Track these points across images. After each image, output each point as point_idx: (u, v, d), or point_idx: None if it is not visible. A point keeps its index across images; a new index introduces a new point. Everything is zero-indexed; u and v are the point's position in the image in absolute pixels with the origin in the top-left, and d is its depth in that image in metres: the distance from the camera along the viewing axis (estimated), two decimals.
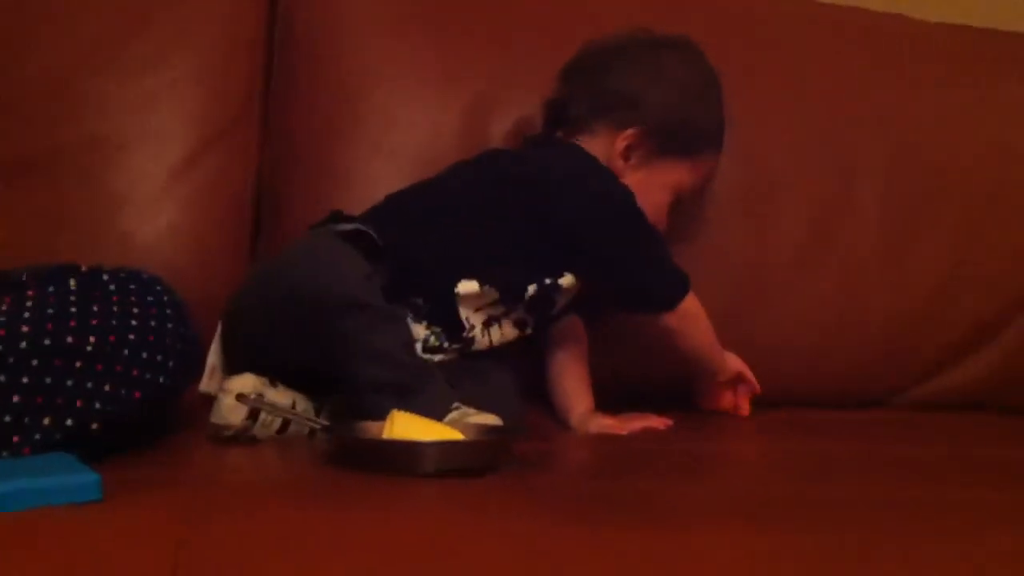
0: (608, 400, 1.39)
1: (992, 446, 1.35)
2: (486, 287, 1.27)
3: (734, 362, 1.44)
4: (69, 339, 0.97)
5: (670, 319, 1.33)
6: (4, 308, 0.97)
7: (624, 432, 1.31)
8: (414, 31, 1.54)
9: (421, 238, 1.26)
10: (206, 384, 1.20)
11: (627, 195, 1.33)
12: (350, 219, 1.28)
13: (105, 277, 1.05)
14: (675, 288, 1.33)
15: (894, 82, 1.68)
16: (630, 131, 1.36)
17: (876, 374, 1.62)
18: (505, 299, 1.29)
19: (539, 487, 0.97)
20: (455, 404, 1.11)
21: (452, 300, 1.26)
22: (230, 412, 1.09)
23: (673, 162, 1.39)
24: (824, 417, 1.50)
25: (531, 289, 1.29)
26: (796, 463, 1.17)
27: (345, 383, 1.11)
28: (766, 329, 1.57)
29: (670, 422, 1.36)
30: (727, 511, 0.91)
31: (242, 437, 1.10)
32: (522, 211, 1.29)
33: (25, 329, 0.96)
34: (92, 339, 0.98)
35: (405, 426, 0.99)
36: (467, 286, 1.26)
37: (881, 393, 1.62)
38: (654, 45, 1.41)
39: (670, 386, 1.47)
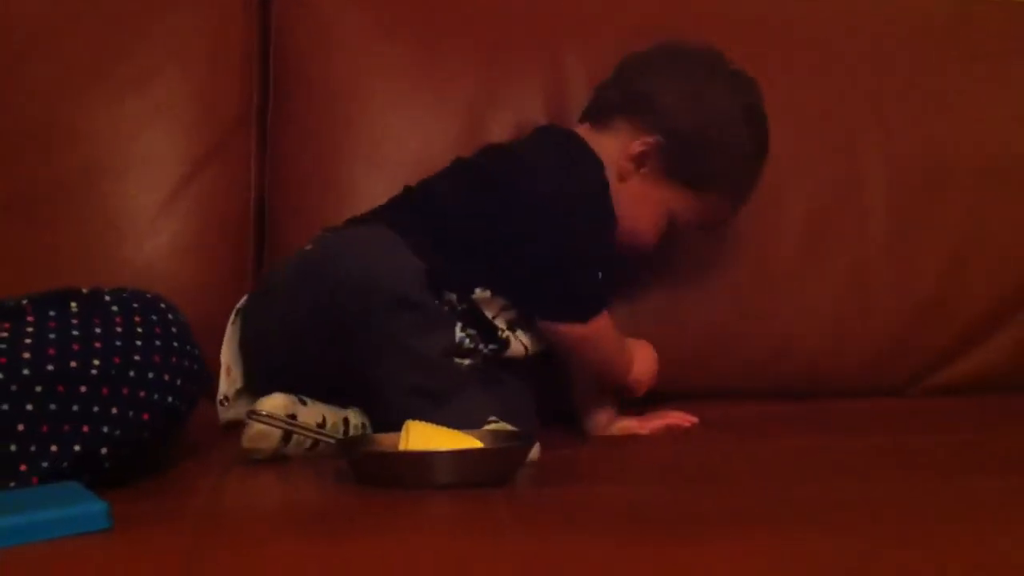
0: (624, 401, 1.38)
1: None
2: (498, 297, 1.25)
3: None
4: (72, 363, 0.95)
5: (581, 331, 1.26)
6: (4, 335, 0.94)
7: (645, 432, 1.29)
8: (404, 42, 1.53)
9: (434, 246, 1.21)
10: (225, 387, 1.19)
11: (592, 198, 1.28)
12: (367, 221, 1.26)
13: (107, 298, 1.02)
14: (594, 302, 1.27)
15: (894, 64, 1.66)
16: (647, 139, 1.32)
17: (891, 363, 1.59)
18: (517, 304, 1.26)
19: (560, 498, 0.93)
20: (491, 418, 1.08)
21: (475, 304, 1.24)
22: (262, 438, 1.06)
23: (676, 187, 1.34)
24: (844, 408, 1.47)
25: None
26: (821, 460, 1.14)
27: (375, 385, 1.08)
28: (777, 321, 1.55)
29: (694, 419, 1.34)
30: (754, 518, 0.85)
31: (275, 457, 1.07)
32: (509, 221, 1.25)
33: (27, 356, 0.93)
34: (96, 362, 0.96)
35: (421, 437, 0.96)
36: (482, 293, 1.24)
37: (897, 382, 1.59)
38: (712, 67, 1.35)
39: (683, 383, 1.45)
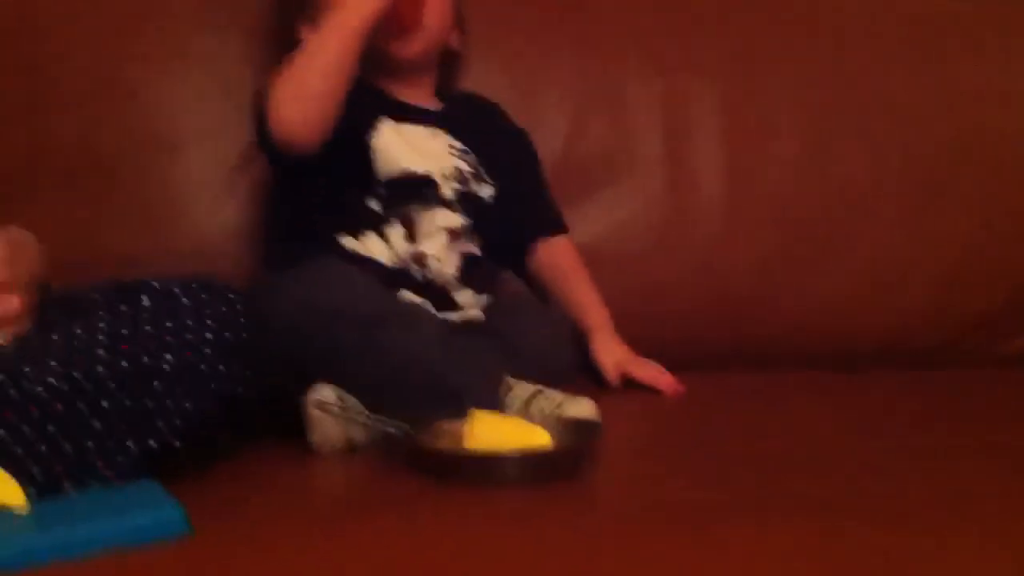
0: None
1: None
2: None
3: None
4: (145, 359, 0.96)
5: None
6: (78, 332, 0.96)
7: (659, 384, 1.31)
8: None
9: None
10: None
11: None
12: None
13: (177, 290, 1.03)
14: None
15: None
16: None
17: (929, 326, 1.59)
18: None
19: (596, 495, 0.92)
20: (513, 380, 1.10)
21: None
22: (325, 425, 1.05)
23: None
24: (880, 378, 1.45)
25: None
26: (860, 443, 1.08)
27: (386, 401, 1.06)
28: (823, 279, 1.56)
29: (681, 388, 1.33)
30: (792, 510, 0.83)
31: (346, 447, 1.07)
32: None
33: (101, 353, 0.94)
34: (168, 356, 0.97)
35: (486, 430, 0.96)
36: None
37: (936, 346, 1.60)
38: None
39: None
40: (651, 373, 1.34)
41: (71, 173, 1.42)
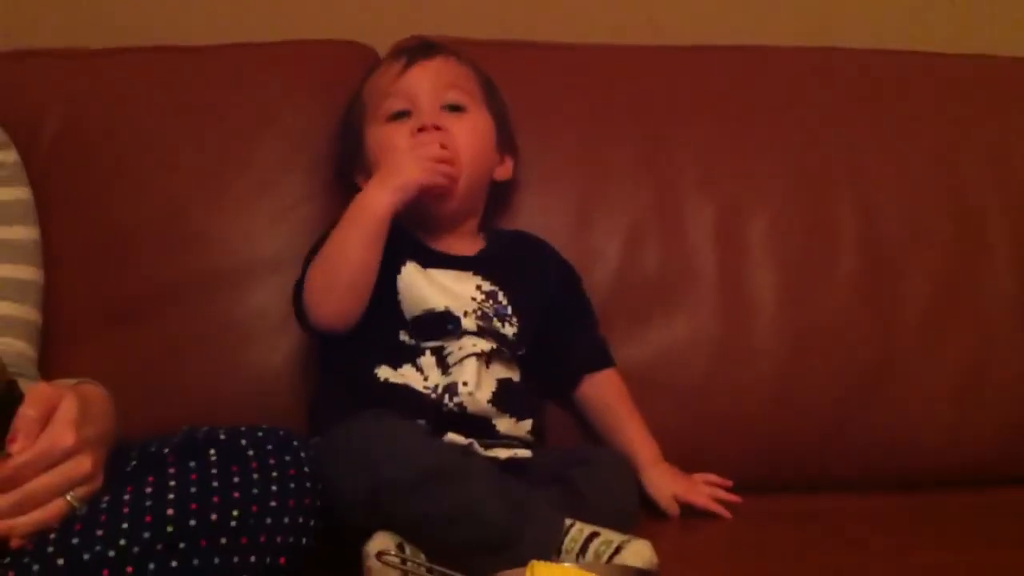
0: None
1: None
2: None
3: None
4: (213, 516, 0.98)
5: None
6: (148, 491, 0.98)
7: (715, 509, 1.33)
8: None
9: None
10: None
11: None
12: None
13: (243, 442, 1.06)
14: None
15: (1005, 122, 1.65)
16: None
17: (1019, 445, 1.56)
18: None
19: None
20: (568, 521, 1.11)
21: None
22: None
23: None
24: (968, 503, 1.45)
25: None
26: None
27: (446, 552, 1.08)
28: (896, 406, 1.53)
29: (735, 499, 1.36)
30: None
31: None
32: None
33: (171, 512, 0.97)
34: (235, 513, 1.00)
35: None
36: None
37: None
38: None
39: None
40: (704, 501, 1.36)
41: (130, 310, 1.45)
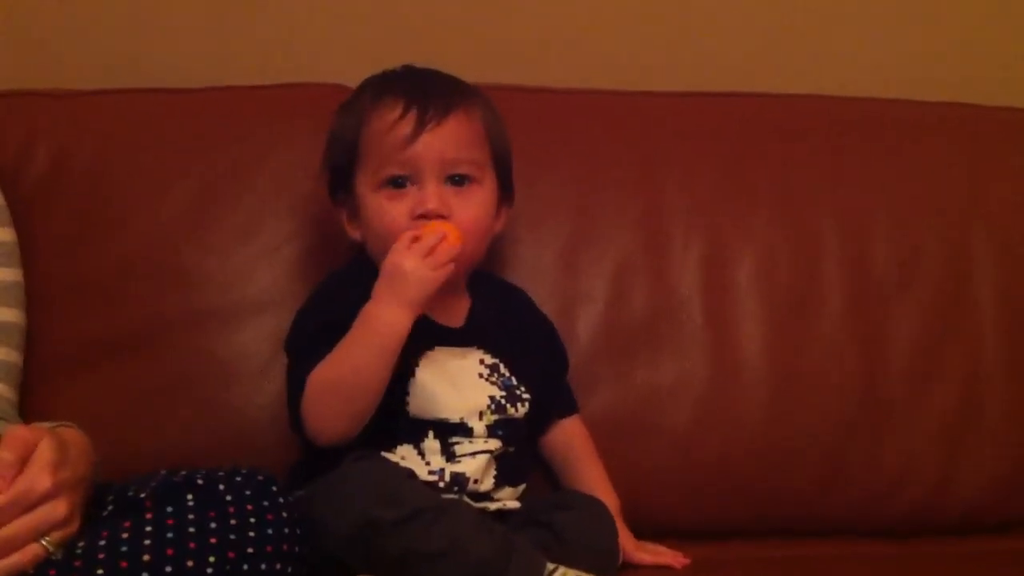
0: None
1: None
2: None
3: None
4: (189, 563, 0.98)
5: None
6: (125, 536, 0.98)
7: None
8: None
9: None
10: None
11: None
12: None
13: (221, 487, 1.05)
14: None
15: (996, 173, 1.65)
16: None
17: (1013, 488, 1.55)
18: None
19: None
20: (551, 566, 1.11)
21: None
22: None
23: None
24: (957, 551, 1.43)
25: None
26: None
27: None
28: (885, 449, 1.53)
29: (686, 560, 1.33)
30: None
31: None
32: None
33: (147, 558, 0.96)
34: (212, 559, 0.99)
35: None
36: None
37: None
38: None
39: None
40: (662, 559, 1.34)
41: (114, 350, 1.44)
